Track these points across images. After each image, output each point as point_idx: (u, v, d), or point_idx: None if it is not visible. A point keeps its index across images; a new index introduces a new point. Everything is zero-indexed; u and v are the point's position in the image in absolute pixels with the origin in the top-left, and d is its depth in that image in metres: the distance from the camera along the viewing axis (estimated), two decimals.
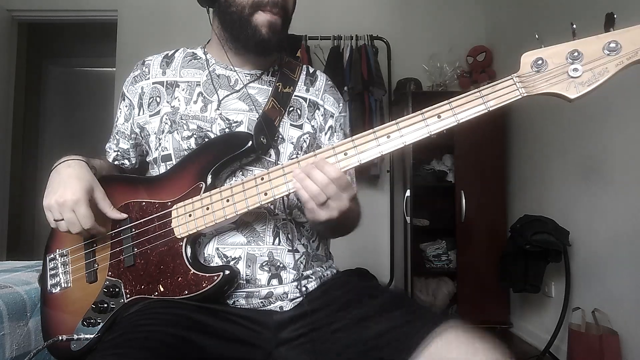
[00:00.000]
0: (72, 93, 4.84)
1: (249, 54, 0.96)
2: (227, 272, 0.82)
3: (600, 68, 0.66)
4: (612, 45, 0.65)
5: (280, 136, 0.95)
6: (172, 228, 0.85)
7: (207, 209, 0.83)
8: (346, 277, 0.98)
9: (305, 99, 1.01)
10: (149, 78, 0.99)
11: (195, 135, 0.92)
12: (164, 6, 3.60)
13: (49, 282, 0.94)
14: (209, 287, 0.81)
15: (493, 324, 3.01)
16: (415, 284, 3.15)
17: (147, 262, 0.86)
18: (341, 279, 0.96)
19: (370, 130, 0.76)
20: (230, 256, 0.87)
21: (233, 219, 0.84)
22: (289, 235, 0.92)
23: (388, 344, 0.75)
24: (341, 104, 1.08)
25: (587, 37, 0.68)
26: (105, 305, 0.87)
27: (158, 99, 0.97)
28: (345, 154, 0.77)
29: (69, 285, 0.92)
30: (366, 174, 3.32)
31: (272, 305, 0.88)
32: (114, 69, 3.64)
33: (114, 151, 1.06)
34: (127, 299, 0.86)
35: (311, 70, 1.08)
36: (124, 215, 0.89)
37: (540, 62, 0.69)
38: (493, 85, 0.72)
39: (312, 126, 1.00)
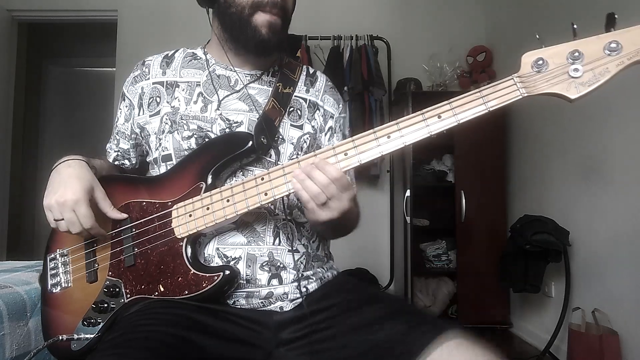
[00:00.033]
0: (72, 93, 4.84)
1: (249, 55, 0.96)
2: (227, 272, 0.82)
3: (601, 68, 0.66)
4: (613, 45, 0.65)
5: (281, 136, 0.95)
6: (173, 228, 0.85)
7: (208, 209, 0.83)
8: (348, 280, 0.98)
9: (305, 100, 1.01)
10: (149, 78, 0.99)
11: (195, 135, 0.92)
12: (164, 6, 3.60)
13: (50, 282, 0.94)
14: (209, 287, 0.81)
15: (493, 324, 3.02)
16: (415, 284, 3.15)
17: (148, 262, 0.86)
18: (343, 282, 0.96)
19: (371, 131, 0.76)
20: (231, 256, 0.87)
21: (233, 219, 0.84)
22: (289, 236, 0.92)
23: (390, 351, 0.75)
24: (341, 105, 1.08)
25: (588, 37, 0.68)
26: (106, 305, 0.87)
27: (158, 99, 0.96)
28: (346, 154, 0.77)
29: (70, 285, 0.92)
30: (366, 174, 3.32)
31: (272, 305, 0.88)
32: (114, 69, 3.64)
33: (114, 151, 1.06)
34: (127, 298, 0.86)
35: (311, 70, 1.07)
36: (124, 215, 0.89)
37: (540, 62, 0.69)
38: (493, 86, 0.72)
39: (313, 127, 1.00)
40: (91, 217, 0.84)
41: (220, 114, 0.93)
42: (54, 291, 0.93)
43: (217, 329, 0.81)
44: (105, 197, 0.89)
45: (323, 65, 3.28)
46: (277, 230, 0.91)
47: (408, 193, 3.07)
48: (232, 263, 0.87)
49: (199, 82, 0.97)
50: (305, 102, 1.01)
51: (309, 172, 0.76)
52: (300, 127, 0.98)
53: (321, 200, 0.75)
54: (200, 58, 1.00)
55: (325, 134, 1.03)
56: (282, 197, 0.83)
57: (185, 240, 0.84)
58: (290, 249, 0.91)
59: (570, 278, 2.35)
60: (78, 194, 0.84)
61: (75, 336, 0.87)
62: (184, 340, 0.75)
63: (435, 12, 3.64)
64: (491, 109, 0.71)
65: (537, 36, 0.70)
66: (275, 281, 0.88)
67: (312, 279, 0.94)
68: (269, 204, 0.88)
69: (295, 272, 0.90)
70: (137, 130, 1.00)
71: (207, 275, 0.82)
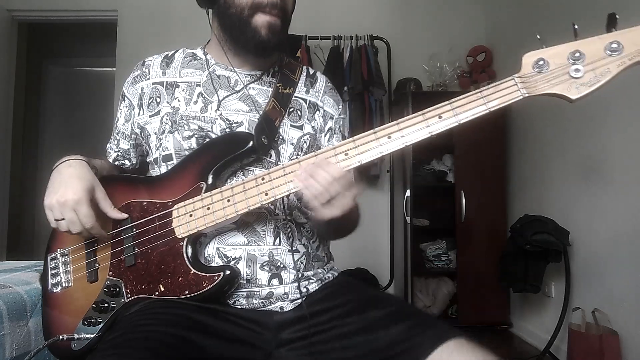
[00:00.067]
0: (72, 93, 4.84)
1: (249, 55, 0.96)
2: (227, 272, 0.82)
3: (602, 68, 0.66)
4: (614, 45, 0.65)
5: (281, 137, 0.95)
6: (173, 228, 0.85)
7: (208, 208, 0.83)
8: (349, 281, 0.98)
9: (305, 100, 1.01)
10: (149, 78, 0.99)
11: (196, 135, 0.92)
12: (164, 6, 3.60)
13: (50, 282, 0.94)
14: (209, 287, 0.81)
15: (493, 324, 3.01)
16: (415, 284, 3.15)
17: (148, 262, 0.86)
18: (344, 283, 0.96)
19: (371, 131, 0.76)
20: (231, 256, 0.87)
21: (234, 219, 0.84)
22: (289, 236, 0.92)
23: (393, 355, 0.75)
24: (340, 106, 1.08)
25: (589, 37, 0.68)
26: (106, 304, 0.87)
27: (158, 99, 0.96)
28: (346, 154, 0.77)
29: (70, 284, 0.92)
30: (366, 174, 3.32)
31: (272, 305, 0.88)
32: (114, 69, 3.64)
33: (115, 151, 1.06)
34: (127, 298, 0.86)
35: (311, 71, 1.08)
36: (125, 215, 0.89)
37: (541, 62, 0.69)
38: (494, 86, 0.72)
39: (313, 127, 1.00)
40: (92, 217, 0.84)
41: (220, 114, 0.93)
42: (54, 291, 0.93)
43: (217, 329, 0.81)
44: (106, 197, 0.89)
45: (323, 65, 3.28)
46: (277, 230, 0.91)
47: (408, 193, 3.07)
48: (232, 263, 0.87)
49: (199, 82, 0.97)
50: (305, 103, 1.01)
51: (312, 171, 0.76)
52: (300, 128, 0.98)
53: (325, 199, 0.75)
54: (200, 58, 1.00)
55: (325, 135, 1.03)
56: (282, 198, 0.83)
57: (185, 240, 0.84)
58: (290, 249, 0.91)
59: (570, 278, 2.35)
60: (79, 193, 0.84)
61: (76, 336, 0.87)
62: (184, 340, 0.75)
63: (435, 12, 3.64)
64: (492, 109, 0.71)
65: (538, 36, 0.70)
66: (275, 281, 0.88)
67: (313, 279, 0.94)
68: (269, 204, 0.88)
69: (295, 272, 0.90)
70: (137, 131, 1.00)
71: (208, 275, 0.82)
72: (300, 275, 0.91)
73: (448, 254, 3.28)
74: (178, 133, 0.92)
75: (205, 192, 0.85)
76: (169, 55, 1.02)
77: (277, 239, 0.91)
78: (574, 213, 2.43)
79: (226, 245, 0.88)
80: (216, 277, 0.81)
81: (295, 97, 1.00)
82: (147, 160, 1.02)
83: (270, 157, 0.93)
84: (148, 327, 0.76)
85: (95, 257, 0.91)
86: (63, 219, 0.84)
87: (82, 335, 0.87)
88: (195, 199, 0.85)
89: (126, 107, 1.02)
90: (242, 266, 0.87)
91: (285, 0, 0.91)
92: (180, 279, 0.83)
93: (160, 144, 0.94)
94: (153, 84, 0.98)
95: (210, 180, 0.86)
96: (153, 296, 0.85)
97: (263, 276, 0.88)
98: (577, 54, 0.67)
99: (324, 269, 0.98)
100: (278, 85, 0.98)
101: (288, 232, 0.92)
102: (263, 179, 0.81)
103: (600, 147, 2.24)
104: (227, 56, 0.97)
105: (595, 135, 2.28)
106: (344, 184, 0.76)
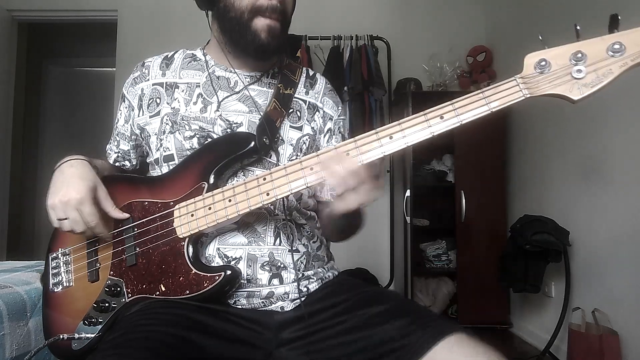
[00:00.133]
0: (72, 93, 4.84)
1: (248, 58, 0.96)
2: (228, 272, 0.82)
3: (604, 69, 0.66)
4: (616, 46, 0.65)
5: (280, 138, 0.95)
6: (174, 228, 0.85)
7: (209, 208, 0.83)
8: (349, 279, 0.98)
9: (305, 101, 1.01)
10: (148, 79, 0.99)
11: (197, 135, 0.92)
12: (164, 6, 3.59)
13: (51, 281, 0.94)
14: (210, 286, 0.81)
15: (493, 324, 3.02)
16: (415, 284, 3.15)
17: (149, 262, 0.86)
18: (344, 282, 0.96)
19: (373, 131, 0.76)
20: (231, 256, 0.87)
21: (235, 219, 0.84)
22: (290, 236, 0.92)
23: (392, 352, 0.75)
24: (340, 107, 1.08)
25: (591, 38, 0.68)
26: (107, 304, 0.87)
27: (158, 100, 0.96)
28: (348, 154, 0.77)
29: (71, 284, 0.93)
30: None
31: (273, 305, 0.88)
32: (114, 69, 3.64)
33: (115, 153, 1.06)
34: (128, 298, 0.86)
35: (311, 73, 1.08)
36: (126, 215, 0.89)
37: (543, 63, 0.69)
38: (496, 87, 0.72)
39: (312, 128, 1.00)
40: (96, 216, 0.85)
41: (220, 115, 0.93)
42: (55, 290, 0.93)
43: (218, 329, 0.81)
44: (108, 197, 0.89)
45: (323, 65, 3.28)
46: (278, 230, 0.91)
47: (408, 193, 3.07)
48: (232, 263, 0.87)
49: (199, 83, 0.97)
50: (305, 104, 1.01)
51: (336, 161, 0.75)
52: (300, 129, 0.98)
53: (352, 184, 0.75)
54: (200, 59, 1.00)
55: (324, 136, 1.03)
56: (282, 198, 0.83)
57: (187, 239, 0.84)
58: (290, 249, 0.91)
59: (570, 278, 2.35)
60: (82, 192, 0.84)
61: (76, 335, 0.87)
62: (184, 340, 0.75)
63: (435, 12, 3.64)
64: (494, 110, 0.71)
65: (540, 37, 0.70)
66: (275, 281, 0.88)
67: (313, 278, 0.94)
68: (269, 205, 0.88)
69: (295, 271, 0.90)
70: (137, 132, 1.00)
71: (209, 275, 0.82)
72: (300, 275, 0.91)
73: (448, 254, 3.28)
74: (179, 133, 0.92)
75: (206, 192, 0.85)
76: (169, 56, 1.02)
77: (278, 239, 0.91)
78: (574, 213, 2.43)
79: (227, 246, 0.88)
80: (217, 277, 0.81)
81: (295, 98, 1.00)
82: (148, 161, 1.02)
83: (270, 158, 0.93)
84: (148, 327, 0.76)
85: (96, 257, 0.91)
86: (66, 219, 0.84)
87: (82, 335, 0.87)
88: (197, 198, 0.85)
89: (126, 108, 1.02)
90: (242, 266, 0.87)
91: (285, 4, 0.91)
92: (181, 278, 0.83)
93: (161, 145, 0.94)
94: (153, 84, 0.98)
95: (212, 180, 0.86)
96: (154, 296, 0.85)
97: (263, 276, 0.88)
98: (579, 55, 0.67)
99: (324, 269, 0.98)
100: (279, 85, 0.98)
101: (288, 232, 0.92)
102: (265, 179, 0.81)
103: (601, 148, 2.25)
104: (227, 57, 0.97)
105: (596, 136, 2.28)
106: (370, 172, 0.75)
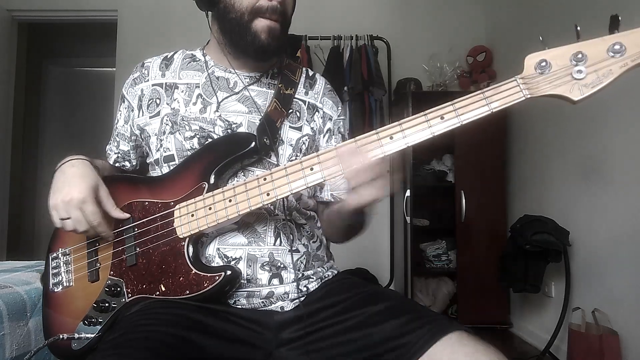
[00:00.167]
0: (72, 93, 4.84)
1: (248, 59, 0.96)
2: (228, 272, 0.82)
3: (605, 70, 0.66)
4: (617, 47, 0.65)
5: (280, 138, 0.95)
6: (175, 228, 0.85)
7: (210, 208, 0.83)
8: (348, 278, 0.98)
9: (304, 102, 1.01)
10: (148, 80, 0.99)
11: (198, 136, 0.92)
12: (164, 6, 3.59)
13: (51, 281, 0.94)
14: (210, 287, 0.81)
15: (493, 324, 3.02)
16: (415, 284, 3.15)
17: (149, 262, 0.86)
18: (344, 282, 0.96)
19: (374, 131, 0.76)
20: (231, 256, 0.87)
21: (235, 219, 0.84)
22: (289, 236, 0.92)
23: (392, 350, 0.75)
24: (339, 107, 1.08)
25: (591, 38, 0.68)
26: (107, 304, 0.87)
27: (158, 101, 0.96)
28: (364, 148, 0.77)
29: (71, 284, 0.93)
30: None
31: (273, 305, 0.88)
32: (114, 69, 3.64)
33: (115, 153, 1.06)
34: (128, 298, 0.86)
35: (310, 73, 1.08)
36: (127, 215, 0.90)
37: (544, 63, 0.69)
38: (496, 87, 0.72)
39: (312, 128, 1.00)
40: (98, 214, 0.85)
41: (220, 116, 0.93)
42: (55, 290, 0.94)
43: (218, 329, 0.81)
44: (109, 196, 0.89)
45: (323, 65, 3.28)
46: (278, 230, 0.91)
47: (408, 193, 3.07)
48: (232, 263, 0.87)
49: (198, 83, 0.97)
50: (305, 104, 1.01)
51: (353, 153, 0.75)
52: (299, 129, 0.98)
53: (369, 176, 0.74)
54: (199, 60, 1.00)
55: (324, 136, 1.03)
56: (283, 198, 0.83)
57: (187, 240, 0.84)
58: (290, 249, 0.91)
59: (570, 278, 2.35)
60: (84, 192, 0.84)
61: (76, 335, 0.87)
62: (184, 340, 0.75)
63: (435, 12, 3.64)
64: (494, 110, 0.71)
65: (541, 38, 0.70)
66: (275, 281, 0.88)
67: (313, 278, 0.94)
68: (270, 205, 0.88)
69: (295, 271, 0.90)
70: (137, 132, 1.00)
71: (209, 275, 0.82)
72: (300, 275, 0.91)
73: (448, 254, 3.29)
74: (179, 134, 0.92)
75: (207, 192, 0.85)
76: (168, 56, 1.02)
77: (278, 240, 0.91)
78: (574, 213, 2.43)
79: (226, 246, 0.88)
80: (217, 277, 0.81)
81: (294, 98, 1.00)
82: (147, 161, 1.02)
83: (270, 158, 0.93)
84: (148, 327, 0.76)
85: (96, 257, 0.91)
86: (69, 218, 0.84)
87: (82, 335, 0.87)
88: (197, 199, 0.85)
89: (125, 108, 1.02)
90: (242, 266, 0.87)
91: (285, 5, 0.91)
92: (181, 278, 0.83)
93: (161, 145, 0.94)
94: (152, 85, 0.98)
95: (212, 181, 0.86)
96: (154, 296, 0.85)
97: (263, 276, 0.88)
98: (580, 56, 0.67)
99: (323, 268, 0.98)
100: (280, 85, 0.98)
101: (288, 232, 0.92)
102: (265, 179, 0.81)
103: (601, 148, 2.25)
104: (227, 58, 0.97)
105: (596, 136, 2.28)
106: (377, 171, 0.75)
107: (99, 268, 0.90)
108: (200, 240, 0.87)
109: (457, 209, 3.09)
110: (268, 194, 0.80)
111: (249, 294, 0.87)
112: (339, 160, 0.76)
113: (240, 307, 0.87)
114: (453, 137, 3.07)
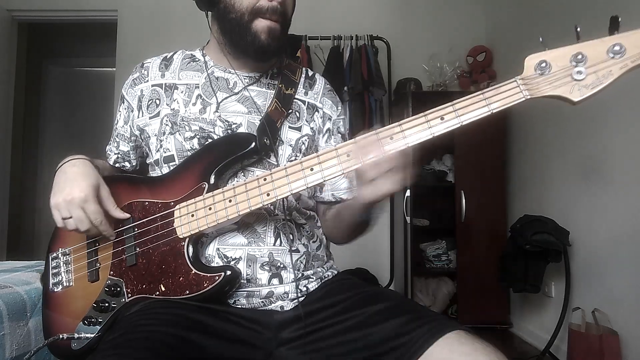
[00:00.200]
0: (72, 93, 4.84)
1: (248, 59, 0.96)
2: (228, 272, 0.82)
3: (605, 71, 0.66)
4: (617, 48, 0.65)
5: (279, 138, 0.95)
6: (175, 228, 0.85)
7: (210, 209, 0.83)
8: (348, 278, 0.98)
9: (304, 102, 1.01)
10: (147, 80, 0.99)
11: (198, 136, 0.92)
12: (164, 6, 3.60)
13: (51, 281, 0.94)
14: (210, 287, 0.81)
15: (493, 324, 3.02)
16: (415, 284, 3.16)
17: (149, 262, 0.86)
18: (344, 282, 0.96)
19: (373, 132, 0.76)
20: (231, 256, 0.87)
21: (235, 219, 0.84)
22: (290, 236, 0.92)
23: (392, 350, 0.75)
24: (339, 107, 1.08)
25: (591, 39, 0.68)
26: (107, 304, 0.87)
27: (157, 101, 0.96)
28: (348, 156, 0.77)
29: (71, 284, 0.93)
30: None
31: (272, 305, 0.88)
32: (114, 69, 3.64)
33: (115, 154, 1.06)
34: (128, 298, 0.86)
35: (310, 73, 1.08)
36: (127, 215, 0.90)
37: (544, 64, 0.69)
38: (496, 88, 0.72)
39: (312, 128, 1.00)
40: (100, 213, 0.85)
41: (219, 116, 0.93)
42: (55, 290, 0.94)
43: (218, 329, 0.81)
44: (110, 196, 0.89)
45: (323, 65, 3.28)
46: (278, 231, 0.91)
47: (408, 193, 3.07)
48: (232, 263, 0.87)
49: (198, 84, 0.97)
50: (304, 104, 1.01)
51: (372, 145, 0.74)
52: (299, 129, 0.98)
53: (385, 168, 0.74)
54: (199, 60, 1.00)
55: (323, 136, 1.03)
56: (282, 199, 0.83)
57: (187, 240, 0.84)
58: (290, 249, 0.91)
59: (570, 278, 2.35)
60: (85, 191, 0.84)
61: (76, 335, 0.87)
62: (184, 340, 0.75)
63: (435, 12, 3.64)
64: (494, 111, 0.71)
65: (541, 39, 0.70)
66: (275, 280, 0.88)
67: (312, 278, 0.94)
68: (270, 205, 0.88)
69: (294, 271, 0.90)
70: (137, 133, 1.00)
71: (209, 275, 0.82)
72: (300, 275, 0.91)
73: (448, 254, 3.29)
74: (179, 134, 0.92)
75: (207, 192, 0.85)
76: (168, 57, 1.02)
77: (278, 240, 0.91)
78: (574, 213, 2.43)
79: (226, 246, 0.88)
80: (217, 277, 0.81)
81: (294, 98, 1.00)
82: (147, 161, 1.02)
83: (269, 158, 0.93)
84: (148, 327, 0.76)
85: (96, 257, 0.91)
86: (70, 217, 0.84)
87: (82, 335, 0.87)
88: (197, 199, 0.85)
89: (125, 109, 1.02)
90: (242, 266, 0.87)
91: (285, 5, 0.91)
92: (181, 278, 0.83)
93: (161, 146, 0.94)
94: (152, 86, 0.98)
95: (212, 181, 0.86)
96: (154, 296, 0.85)
97: (263, 276, 0.88)
98: (580, 56, 0.67)
99: (323, 268, 0.98)
100: (280, 85, 0.98)
101: (288, 232, 0.92)
102: (265, 179, 0.81)
103: (601, 148, 2.25)
104: (227, 58, 0.97)
105: (596, 136, 2.28)
106: (403, 161, 0.75)
107: (99, 268, 0.90)
108: (200, 240, 0.87)
109: (457, 209, 3.09)
110: (268, 194, 0.80)
111: (249, 293, 0.87)
112: (357, 152, 0.75)
113: (240, 307, 0.87)
114: (453, 137, 3.07)
